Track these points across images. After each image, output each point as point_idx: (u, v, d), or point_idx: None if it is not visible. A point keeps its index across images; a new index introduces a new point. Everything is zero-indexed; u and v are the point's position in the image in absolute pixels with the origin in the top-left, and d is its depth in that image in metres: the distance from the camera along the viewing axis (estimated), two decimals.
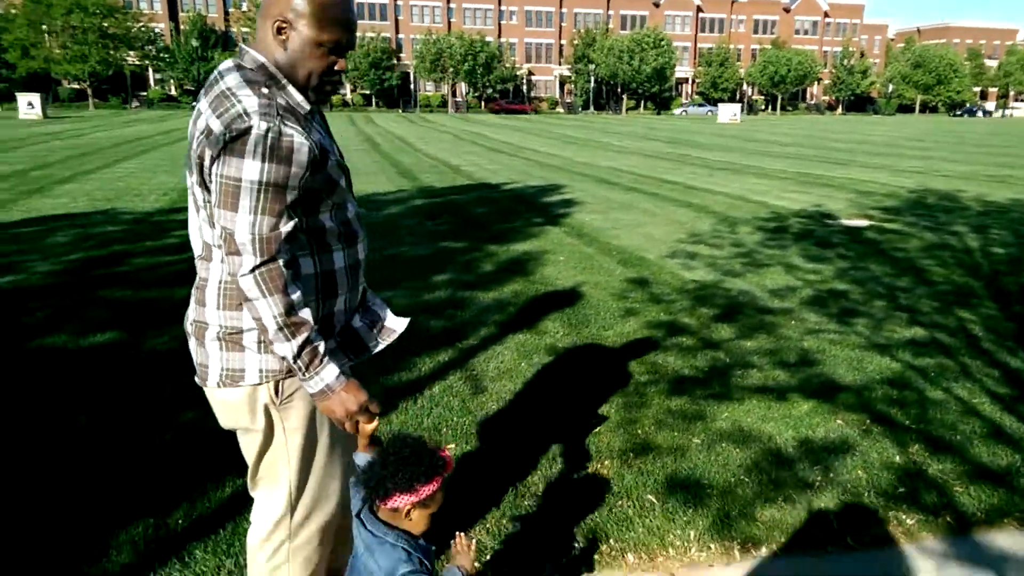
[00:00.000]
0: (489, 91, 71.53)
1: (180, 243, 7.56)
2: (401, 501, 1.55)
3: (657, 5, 79.82)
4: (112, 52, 55.26)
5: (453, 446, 3.33)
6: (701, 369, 4.34)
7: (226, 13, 66.81)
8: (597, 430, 3.52)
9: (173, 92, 64.86)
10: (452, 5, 75.06)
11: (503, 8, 76.52)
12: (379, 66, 66.55)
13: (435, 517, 1.61)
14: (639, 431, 3.52)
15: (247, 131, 1.52)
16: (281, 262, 1.59)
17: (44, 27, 53.16)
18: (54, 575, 2.44)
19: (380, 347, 1.91)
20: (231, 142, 1.53)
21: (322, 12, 1.59)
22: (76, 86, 59.64)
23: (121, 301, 5.53)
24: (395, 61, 68.64)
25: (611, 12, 79.21)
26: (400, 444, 1.61)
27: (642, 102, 76.00)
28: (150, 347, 4.54)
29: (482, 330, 5.00)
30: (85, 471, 3.06)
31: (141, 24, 58.54)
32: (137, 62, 59.94)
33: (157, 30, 61.96)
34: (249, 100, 1.56)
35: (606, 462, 3.21)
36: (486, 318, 5.28)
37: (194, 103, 1.73)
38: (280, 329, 1.61)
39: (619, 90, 72.97)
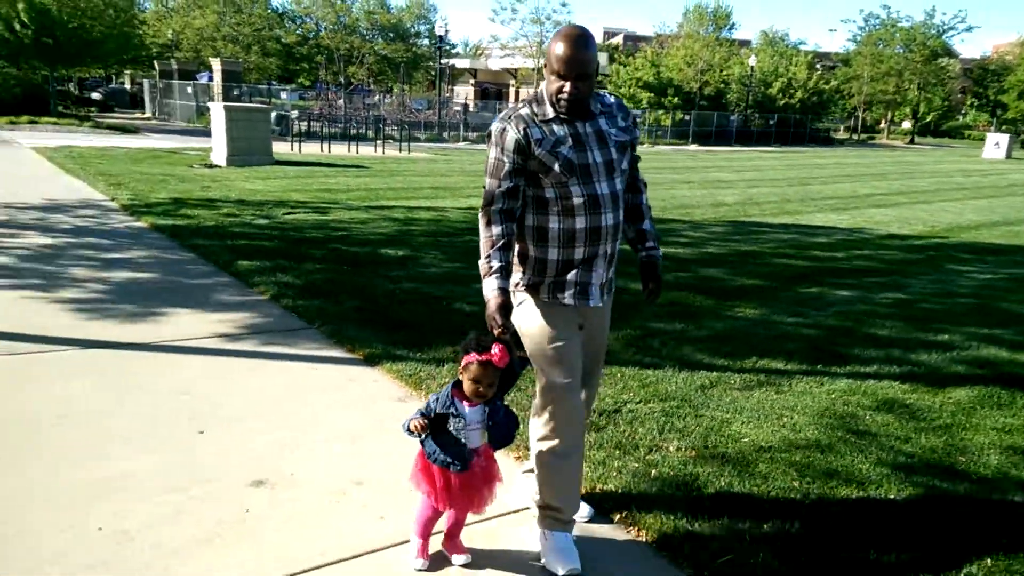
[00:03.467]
0: None
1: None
2: (462, 360, 2.35)
3: None
4: None
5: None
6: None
7: None
8: None
9: None
10: None
11: None
12: None
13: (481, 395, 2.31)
14: None
15: (492, 127, 2.44)
16: (494, 207, 2.39)
17: None
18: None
19: (570, 303, 2.47)
20: (488, 135, 2.46)
21: (550, 56, 2.35)
22: None
23: None
24: None
25: None
26: (482, 332, 2.34)
27: None
28: None
29: (856, 366, 4.77)
30: None
31: None
32: None
33: None
34: (503, 111, 2.47)
35: None
36: (884, 356, 4.88)
37: None
38: (481, 247, 2.43)
39: None
